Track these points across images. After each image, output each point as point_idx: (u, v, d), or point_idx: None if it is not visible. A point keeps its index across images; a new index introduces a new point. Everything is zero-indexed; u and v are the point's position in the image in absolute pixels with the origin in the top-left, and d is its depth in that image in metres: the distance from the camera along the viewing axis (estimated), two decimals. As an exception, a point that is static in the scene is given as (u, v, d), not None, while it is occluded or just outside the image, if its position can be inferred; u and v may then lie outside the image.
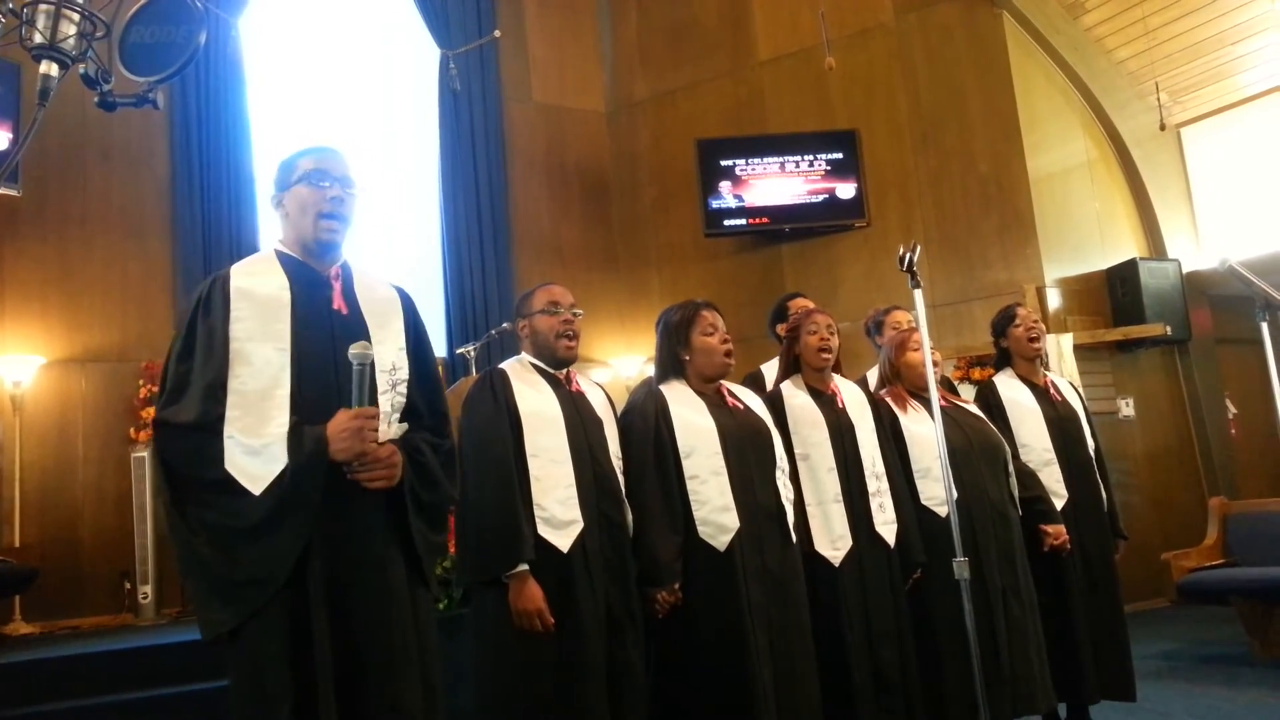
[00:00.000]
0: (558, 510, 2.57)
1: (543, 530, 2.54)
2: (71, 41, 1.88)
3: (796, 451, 3.09)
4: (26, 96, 5.84)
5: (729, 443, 2.83)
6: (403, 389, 2.11)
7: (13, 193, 6.00)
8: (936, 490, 3.26)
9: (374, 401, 2.01)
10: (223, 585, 1.88)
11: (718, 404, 2.93)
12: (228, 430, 1.90)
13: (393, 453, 2.00)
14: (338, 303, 2.10)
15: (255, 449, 1.89)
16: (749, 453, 2.86)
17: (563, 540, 2.56)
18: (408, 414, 2.13)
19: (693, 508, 2.76)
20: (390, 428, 2.06)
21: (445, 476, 2.15)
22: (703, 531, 2.75)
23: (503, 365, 2.78)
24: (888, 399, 3.44)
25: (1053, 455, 3.61)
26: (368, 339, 2.05)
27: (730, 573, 2.71)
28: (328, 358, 2.01)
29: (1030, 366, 3.81)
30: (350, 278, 2.17)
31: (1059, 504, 3.55)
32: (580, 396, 2.80)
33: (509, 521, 2.49)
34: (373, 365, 1.98)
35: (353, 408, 1.93)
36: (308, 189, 2.11)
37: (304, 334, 2.02)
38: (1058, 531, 3.44)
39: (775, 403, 3.16)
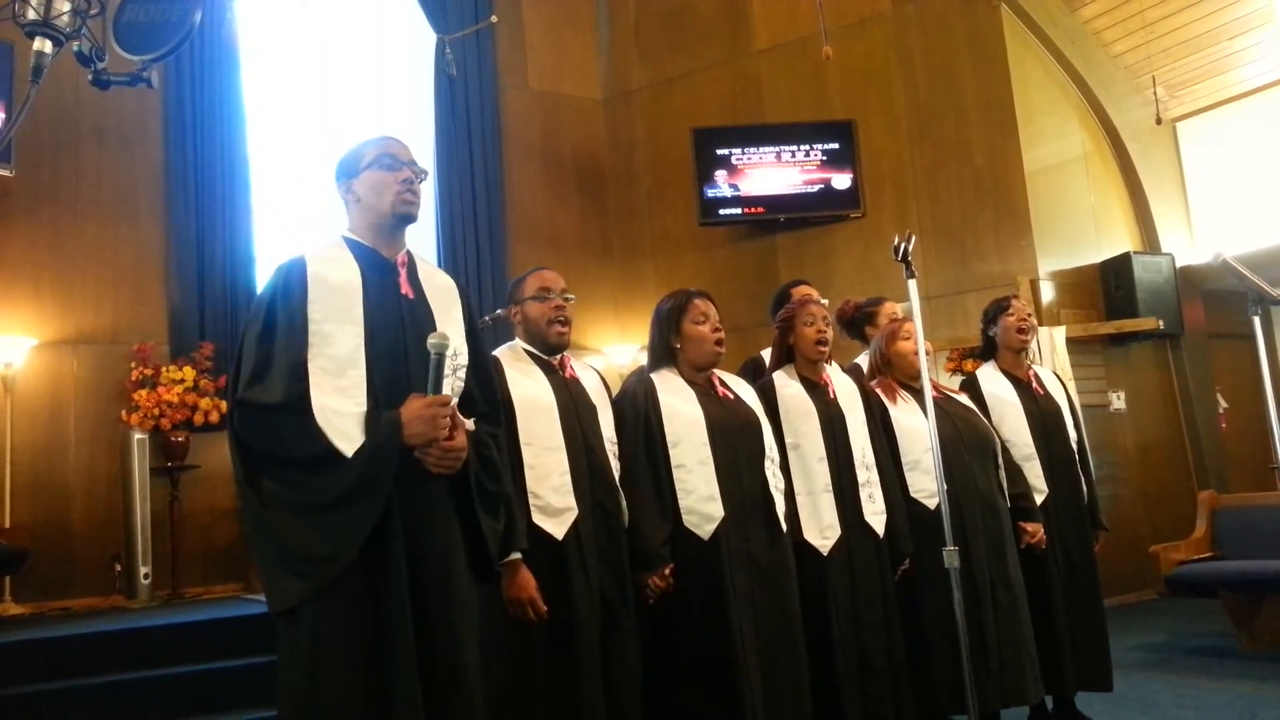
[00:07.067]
0: (553, 498, 2.57)
1: (537, 518, 2.54)
2: (65, 18, 1.87)
3: (787, 441, 3.10)
4: (19, 75, 5.79)
5: (717, 432, 2.83)
6: (462, 374, 2.19)
7: (5, 173, 5.97)
8: (925, 482, 3.27)
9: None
10: (296, 558, 1.93)
11: (707, 393, 2.93)
12: (316, 406, 1.96)
13: (464, 445, 2.06)
14: (405, 288, 2.17)
15: (339, 424, 1.96)
16: (737, 443, 2.86)
17: (557, 528, 2.56)
18: (464, 399, 2.20)
19: (679, 496, 2.77)
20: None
21: (504, 469, 2.23)
22: (688, 520, 2.76)
23: (495, 352, 2.76)
24: (878, 390, 3.44)
25: (1033, 450, 3.61)
26: (434, 324, 2.13)
27: (715, 561, 2.72)
28: (398, 341, 2.09)
29: (1015, 359, 3.81)
30: (414, 265, 2.25)
31: (1039, 499, 3.56)
32: (575, 382, 2.79)
33: None
34: (447, 355, 2.04)
35: (427, 395, 2.00)
36: (381, 172, 2.21)
37: (375, 318, 2.08)
38: (1035, 529, 3.46)
39: (767, 392, 3.17)
